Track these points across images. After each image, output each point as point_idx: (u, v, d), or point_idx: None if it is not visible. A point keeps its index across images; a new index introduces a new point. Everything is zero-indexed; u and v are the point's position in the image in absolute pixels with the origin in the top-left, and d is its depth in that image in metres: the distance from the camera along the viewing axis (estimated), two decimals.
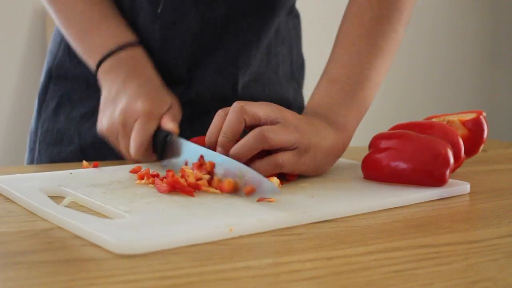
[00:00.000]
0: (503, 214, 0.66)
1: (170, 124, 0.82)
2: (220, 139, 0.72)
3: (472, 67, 3.58)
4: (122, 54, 0.90)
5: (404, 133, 0.76)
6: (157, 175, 0.70)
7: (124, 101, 0.84)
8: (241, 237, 0.55)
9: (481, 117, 0.85)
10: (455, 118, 0.85)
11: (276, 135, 0.70)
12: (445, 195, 0.72)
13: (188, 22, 0.94)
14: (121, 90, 0.86)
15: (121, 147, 0.85)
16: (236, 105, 0.72)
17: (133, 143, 0.82)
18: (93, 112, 0.97)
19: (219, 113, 0.75)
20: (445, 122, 0.84)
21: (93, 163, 0.81)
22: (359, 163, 0.85)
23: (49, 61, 1.05)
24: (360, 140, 1.03)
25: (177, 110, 0.88)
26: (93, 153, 0.98)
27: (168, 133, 0.82)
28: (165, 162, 0.82)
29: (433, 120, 0.84)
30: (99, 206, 0.61)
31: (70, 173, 0.75)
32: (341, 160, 0.90)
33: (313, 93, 0.84)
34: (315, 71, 1.02)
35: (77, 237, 0.54)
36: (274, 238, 0.55)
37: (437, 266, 0.49)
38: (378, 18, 0.83)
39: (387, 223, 0.61)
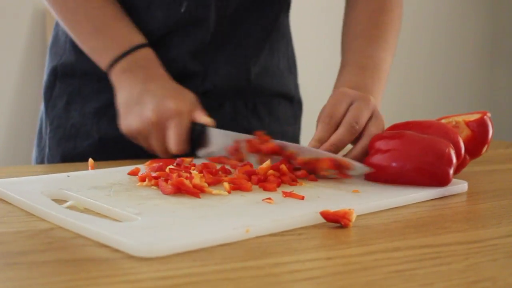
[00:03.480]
0: (503, 214, 0.66)
1: (204, 118, 0.89)
2: (328, 148, 0.79)
3: (472, 67, 3.58)
4: (136, 55, 0.93)
5: (405, 133, 0.75)
6: (158, 177, 0.70)
7: (152, 101, 0.88)
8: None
9: (485, 117, 0.84)
10: (460, 118, 0.85)
11: (377, 129, 0.81)
12: (445, 194, 0.72)
13: (208, 19, 0.98)
14: (144, 91, 0.89)
15: (154, 144, 0.89)
16: (350, 126, 0.80)
17: (173, 139, 0.87)
18: (108, 106, 0.99)
19: (325, 120, 0.82)
20: (453, 123, 0.84)
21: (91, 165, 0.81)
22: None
23: (53, 60, 1.06)
24: None
25: (200, 106, 0.93)
26: (113, 147, 0.99)
27: (204, 125, 0.88)
28: (201, 153, 0.88)
29: (442, 121, 0.84)
30: (106, 209, 0.61)
31: (68, 176, 0.74)
32: None
33: (345, 77, 0.96)
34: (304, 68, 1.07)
35: (77, 237, 0.54)
36: (274, 238, 0.55)
37: (437, 266, 0.49)
38: (386, 24, 1.01)
39: (387, 223, 0.61)
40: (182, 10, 0.96)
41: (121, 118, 0.91)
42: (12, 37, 2.43)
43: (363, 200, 0.66)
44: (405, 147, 0.73)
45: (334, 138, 0.80)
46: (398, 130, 0.79)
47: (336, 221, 0.59)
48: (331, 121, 0.82)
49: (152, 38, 0.97)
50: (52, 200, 0.63)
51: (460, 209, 0.69)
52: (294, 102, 1.15)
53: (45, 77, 1.07)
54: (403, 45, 3.33)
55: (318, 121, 0.84)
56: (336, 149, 0.79)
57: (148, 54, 0.94)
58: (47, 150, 1.05)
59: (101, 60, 0.94)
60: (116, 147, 0.99)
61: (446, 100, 3.49)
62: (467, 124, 0.84)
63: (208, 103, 1.02)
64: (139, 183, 0.71)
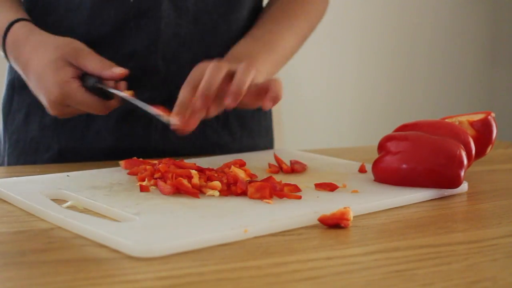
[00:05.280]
0: (503, 214, 0.66)
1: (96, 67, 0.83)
2: (202, 92, 0.78)
3: (472, 67, 3.58)
4: (8, 40, 0.89)
5: (416, 134, 0.74)
6: (159, 177, 0.70)
7: (40, 90, 0.84)
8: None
9: (489, 117, 0.84)
10: (464, 118, 0.85)
11: (246, 69, 0.81)
12: (445, 194, 0.72)
13: (161, 10, 0.95)
14: (29, 81, 0.86)
15: (83, 110, 0.84)
16: (211, 70, 0.79)
17: (83, 105, 0.82)
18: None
19: (185, 87, 0.81)
20: (457, 123, 0.83)
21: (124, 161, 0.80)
22: (359, 163, 0.85)
23: (11, 73, 1.03)
24: (359, 140, 1.03)
25: (85, 50, 0.86)
26: (73, 157, 0.96)
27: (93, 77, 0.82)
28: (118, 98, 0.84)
29: (449, 122, 0.84)
30: (105, 209, 0.61)
31: (68, 176, 0.74)
32: (347, 161, 0.90)
33: (235, 47, 0.96)
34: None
35: (77, 237, 0.54)
36: (274, 238, 0.55)
37: (437, 266, 0.49)
38: (296, 11, 1.04)
39: (387, 223, 0.61)
40: (131, 0, 0.93)
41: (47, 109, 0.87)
42: None
43: (363, 200, 0.66)
44: (416, 148, 0.73)
45: (202, 86, 0.78)
46: (408, 130, 0.78)
47: (335, 224, 0.59)
48: (190, 84, 0.81)
49: (104, 33, 0.94)
50: (52, 200, 0.63)
51: (460, 209, 0.69)
52: (267, 113, 1.12)
53: (4, 91, 1.03)
54: (403, 45, 3.33)
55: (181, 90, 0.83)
56: (209, 90, 0.78)
57: (25, 23, 0.90)
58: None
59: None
60: (76, 157, 0.96)
61: (446, 100, 3.49)
62: (471, 124, 0.84)
63: None
64: (138, 183, 0.71)
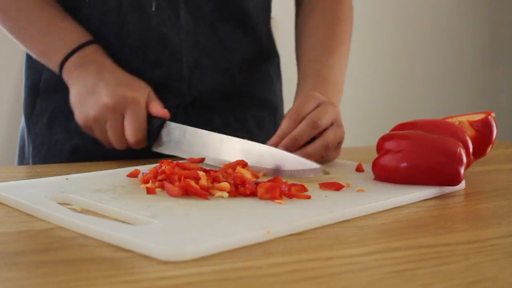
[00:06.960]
0: (503, 214, 0.66)
1: (161, 110, 0.88)
2: (288, 141, 0.82)
3: (473, 67, 3.58)
4: (86, 51, 0.93)
5: (416, 133, 0.75)
6: (164, 179, 0.69)
7: (107, 89, 0.87)
8: None
9: (489, 117, 0.84)
10: (464, 118, 0.85)
11: (335, 137, 0.85)
12: (445, 192, 0.72)
13: (180, 20, 0.97)
14: (98, 81, 0.89)
15: (111, 134, 0.87)
16: (312, 121, 0.83)
17: (130, 127, 0.86)
18: None
19: (291, 117, 0.85)
20: (457, 123, 0.84)
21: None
22: (356, 163, 0.85)
23: (32, 78, 1.03)
24: (358, 140, 1.04)
25: (156, 97, 0.92)
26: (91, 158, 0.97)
27: (163, 120, 0.87)
28: (158, 148, 0.88)
29: (446, 121, 0.84)
30: (117, 212, 0.59)
31: (66, 179, 0.72)
32: (347, 161, 0.90)
33: (308, 87, 0.97)
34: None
35: (77, 237, 0.54)
36: (273, 238, 0.55)
37: (437, 266, 0.49)
38: (342, 34, 1.05)
39: (387, 223, 0.61)
40: (153, 9, 0.95)
41: (76, 110, 0.90)
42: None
43: (372, 199, 0.66)
44: (416, 147, 0.73)
45: (295, 132, 0.82)
46: (405, 129, 0.78)
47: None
48: (297, 118, 0.84)
49: (132, 42, 0.97)
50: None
51: (460, 209, 0.69)
52: (279, 111, 1.15)
53: (23, 95, 1.04)
54: (403, 45, 3.33)
55: (283, 118, 0.86)
56: (295, 142, 0.82)
57: (97, 49, 0.94)
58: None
59: (51, 61, 0.93)
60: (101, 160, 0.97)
61: (446, 100, 3.49)
62: (471, 124, 0.84)
63: (197, 117, 1.01)
64: (142, 185, 0.70)
